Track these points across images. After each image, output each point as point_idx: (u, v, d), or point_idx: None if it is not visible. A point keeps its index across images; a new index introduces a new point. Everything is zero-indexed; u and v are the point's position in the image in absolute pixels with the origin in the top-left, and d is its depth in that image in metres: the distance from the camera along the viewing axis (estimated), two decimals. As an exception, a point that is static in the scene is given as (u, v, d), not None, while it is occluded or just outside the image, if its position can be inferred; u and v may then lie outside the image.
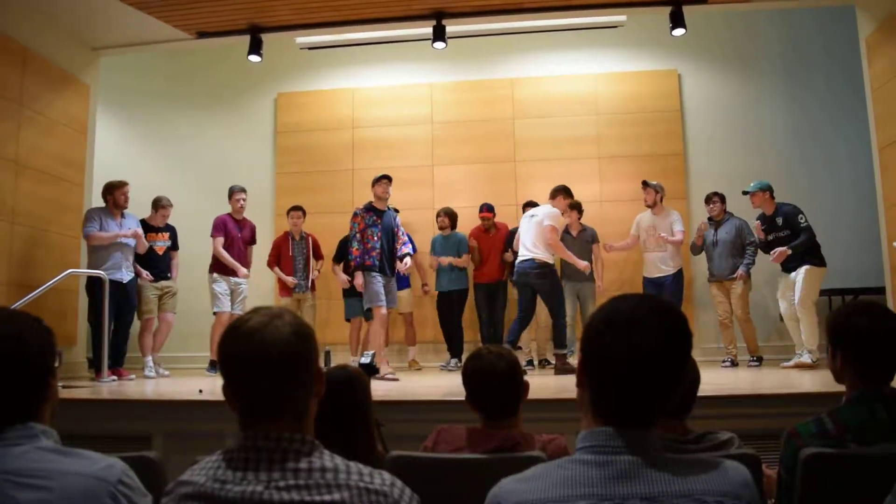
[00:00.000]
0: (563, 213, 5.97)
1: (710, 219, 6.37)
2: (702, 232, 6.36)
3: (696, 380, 1.88)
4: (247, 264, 6.49)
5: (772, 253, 5.69)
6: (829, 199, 6.64)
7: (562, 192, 5.92)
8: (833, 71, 7.24)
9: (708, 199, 6.37)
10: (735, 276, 6.08)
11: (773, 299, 6.53)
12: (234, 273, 6.30)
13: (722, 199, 6.31)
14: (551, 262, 5.77)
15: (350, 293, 6.75)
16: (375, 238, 5.36)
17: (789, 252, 5.59)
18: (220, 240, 6.30)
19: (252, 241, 6.65)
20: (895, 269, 5.56)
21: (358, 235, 5.40)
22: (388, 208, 5.63)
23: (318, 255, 6.96)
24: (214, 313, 6.30)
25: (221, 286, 6.28)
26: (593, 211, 7.07)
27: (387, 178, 5.53)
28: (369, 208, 5.50)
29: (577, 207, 6.51)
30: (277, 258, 6.77)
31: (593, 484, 0.99)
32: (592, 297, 6.56)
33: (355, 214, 5.51)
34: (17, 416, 1.22)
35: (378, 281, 5.32)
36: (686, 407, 1.82)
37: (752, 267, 6.13)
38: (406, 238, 5.73)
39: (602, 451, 1.01)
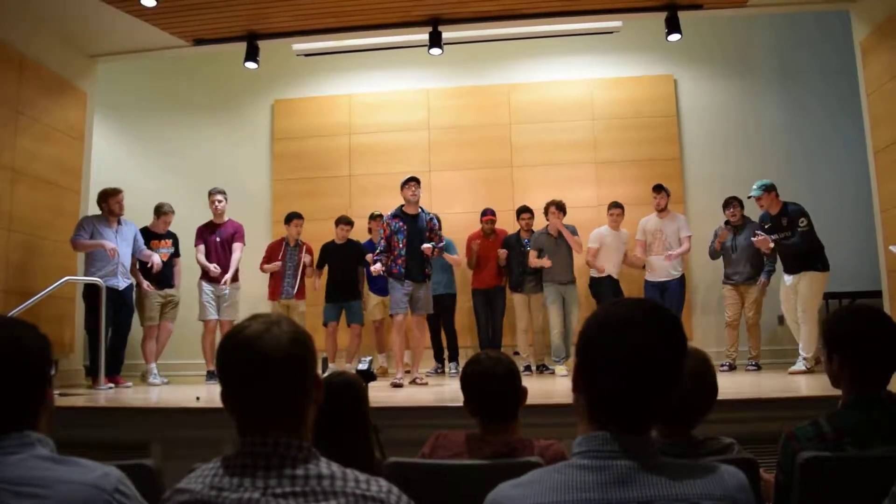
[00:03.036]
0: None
1: (727, 222, 6.26)
2: (721, 239, 6.23)
3: (712, 391, 1.75)
4: (226, 267, 6.29)
5: (756, 233, 5.68)
6: (825, 203, 6.64)
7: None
8: (828, 75, 7.26)
9: (727, 204, 6.24)
10: (757, 282, 6.09)
11: (772, 305, 6.52)
12: (217, 280, 6.21)
13: (741, 204, 6.20)
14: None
15: (329, 299, 6.70)
16: (401, 245, 5.23)
17: (771, 245, 5.55)
18: (201, 247, 6.31)
19: (235, 240, 6.42)
20: (892, 273, 5.56)
21: (383, 242, 5.31)
22: (423, 212, 5.43)
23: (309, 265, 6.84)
24: (202, 321, 6.24)
25: (206, 295, 6.23)
26: (590, 216, 7.07)
27: (414, 181, 5.34)
28: (396, 214, 5.37)
29: (562, 208, 6.47)
30: (269, 262, 6.63)
31: (589, 489, 0.99)
32: (576, 301, 6.52)
33: (382, 220, 5.47)
34: (14, 424, 1.21)
35: (398, 289, 5.26)
36: (700, 414, 1.75)
37: (773, 273, 6.13)
38: (444, 241, 5.55)
39: (598, 455, 1.01)
